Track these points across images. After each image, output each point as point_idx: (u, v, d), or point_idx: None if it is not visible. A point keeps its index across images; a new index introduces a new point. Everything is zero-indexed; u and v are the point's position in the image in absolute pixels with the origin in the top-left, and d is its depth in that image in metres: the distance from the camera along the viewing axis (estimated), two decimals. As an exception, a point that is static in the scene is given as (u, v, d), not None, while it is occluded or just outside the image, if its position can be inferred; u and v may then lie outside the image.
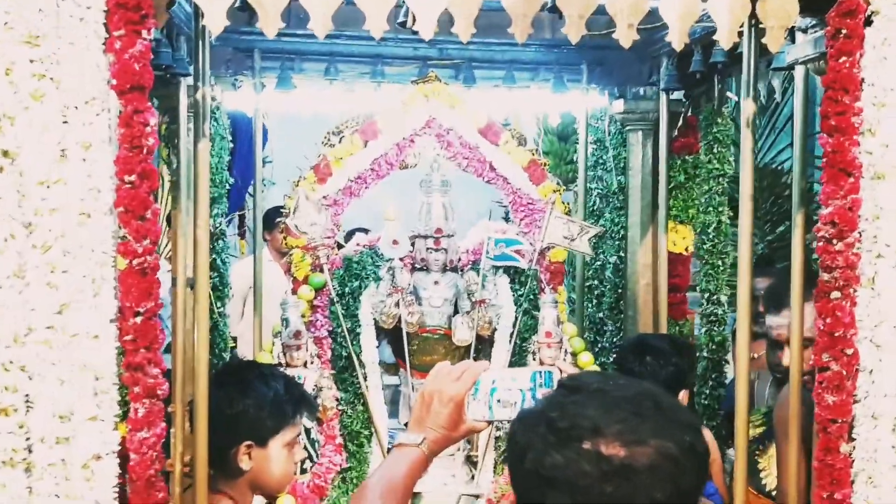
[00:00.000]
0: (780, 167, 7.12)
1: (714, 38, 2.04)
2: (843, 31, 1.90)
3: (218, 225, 3.57)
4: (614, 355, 3.61)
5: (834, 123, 1.91)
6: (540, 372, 1.42)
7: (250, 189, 6.14)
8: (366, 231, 3.75)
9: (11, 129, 1.73)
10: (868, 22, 1.89)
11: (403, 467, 1.41)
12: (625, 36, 1.96)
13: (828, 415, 1.94)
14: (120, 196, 1.78)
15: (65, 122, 1.75)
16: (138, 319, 1.81)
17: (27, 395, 1.74)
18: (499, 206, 7.30)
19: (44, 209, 1.74)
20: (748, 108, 2.17)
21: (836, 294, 1.93)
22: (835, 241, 1.92)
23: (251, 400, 2.02)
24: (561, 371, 1.40)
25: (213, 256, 3.64)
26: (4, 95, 1.71)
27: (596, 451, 0.96)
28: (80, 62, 1.75)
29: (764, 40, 2.01)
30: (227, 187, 3.63)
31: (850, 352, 1.92)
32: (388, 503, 1.36)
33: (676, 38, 1.97)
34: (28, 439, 1.74)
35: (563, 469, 0.96)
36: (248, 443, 1.99)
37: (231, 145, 3.59)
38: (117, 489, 1.76)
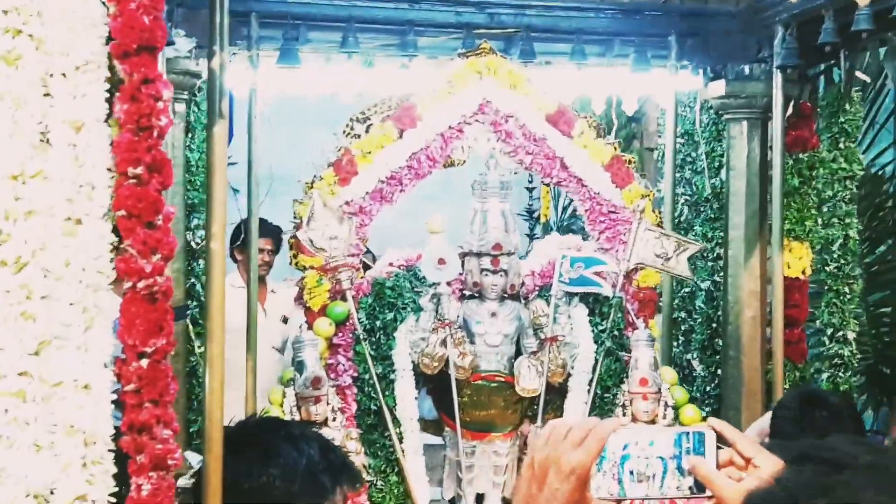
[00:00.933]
0: (880, 172, 7.03)
1: None
2: None
3: (200, 241, 3.42)
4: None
5: None
6: (687, 434, 1.26)
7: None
8: (372, 255, 3.59)
9: (-25, 102, 1.59)
10: None
11: None
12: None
13: None
14: (121, 195, 1.64)
15: (47, 95, 1.61)
16: (144, 363, 1.66)
17: (-9, 468, 1.59)
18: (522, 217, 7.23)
19: (17, 212, 1.59)
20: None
21: None
22: None
23: (278, 469, 1.85)
24: (716, 431, 1.25)
25: (192, 280, 3.51)
26: (-32, 57, 1.57)
27: None
28: (68, 14, 1.61)
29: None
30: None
31: None
32: None
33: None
34: (-8, 528, 1.59)
35: None
36: None
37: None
38: None
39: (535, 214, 7.33)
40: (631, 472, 1.27)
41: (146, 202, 1.63)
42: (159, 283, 1.65)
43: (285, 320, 4.96)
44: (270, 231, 5.08)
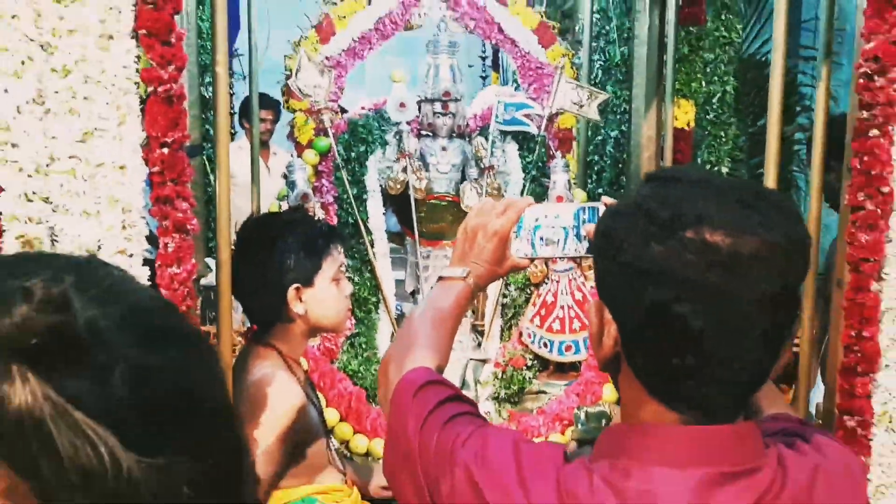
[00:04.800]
0: (762, 59, 7.06)
1: None
2: None
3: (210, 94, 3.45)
4: None
5: (881, -46, 1.86)
6: (584, 208, 1.32)
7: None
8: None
9: (23, -60, 1.62)
10: None
11: (451, 299, 1.33)
12: None
13: (860, 254, 1.95)
14: (142, 17, 1.68)
15: (80, -62, 1.64)
16: (165, 150, 1.73)
17: (52, 227, 1.68)
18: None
19: (62, 30, 1.63)
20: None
21: (874, 132, 1.91)
22: (876, 77, 1.89)
23: (284, 246, 2.00)
24: (606, 205, 1.32)
25: (206, 127, 3.55)
26: None
27: (701, 238, 0.88)
28: None
29: None
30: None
31: (885, 190, 1.91)
32: (438, 332, 1.28)
33: None
34: (54, 274, 1.69)
35: (665, 260, 0.89)
36: (296, 286, 1.99)
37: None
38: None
39: (487, 79, 7.47)
40: (541, 238, 1.34)
41: (162, 23, 1.68)
42: (175, 88, 1.71)
43: (285, 175, 5.03)
44: (270, 104, 5.11)
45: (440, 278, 1.40)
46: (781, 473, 0.94)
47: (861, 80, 1.91)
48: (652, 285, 0.90)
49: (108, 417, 0.43)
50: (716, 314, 0.88)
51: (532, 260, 1.43)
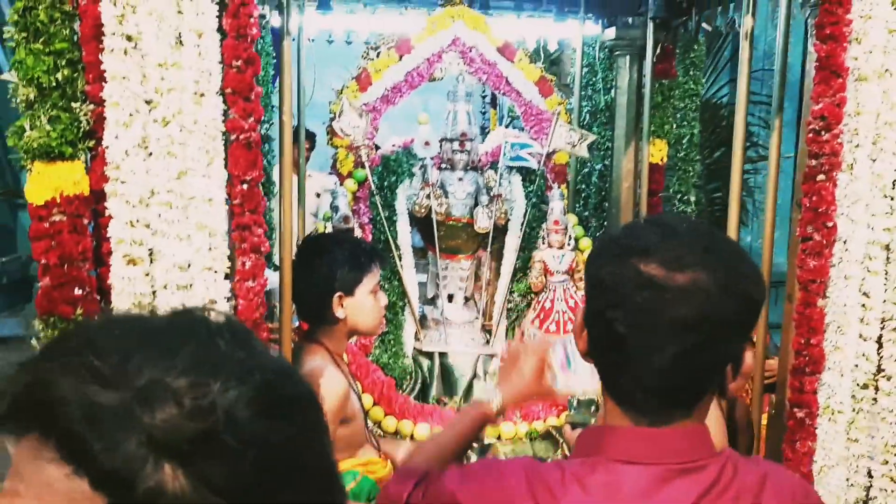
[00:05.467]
0: (718, 102, 7.13)
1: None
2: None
3: (265, 131, 3.49)
4: None
5: (829, 32, 1.92)
6: None
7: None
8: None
9: (133, 16, 1.67)
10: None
11: (463, 424, 1.37)
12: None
13: (809, 276, 2.00)
14: (228, 78, 1.73)
15: (180, 13, 1.69)
16: (244, 186, 1.78)
17: (151, 249, 1.74)
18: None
19: (163, 88, 1.69)
20: (747, 23, 2.16)
21: (821, 177, 1.96)
22: (823, 132, 1.95)
23: (333, 260, 2.04)
24: None
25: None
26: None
27: (639, 267, 0.93)
28: (191, -42, 1.68)
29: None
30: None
31: (830, 224, 1.97)
32: (439, 452, 1.33)
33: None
34: (153, 286, 1.74)
35: (609, 277, 0.96)
36: (339, 294, 2.02)
37: (275, 60, 3.48)
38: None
39: (486, 130, 7.42)
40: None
41: (244, 84, 1.73)
42: (253, 136, 1.76)
43: (318, 195, 5.09)
44: (308, 135, 5.15)
45: (474, 401, 1.46)
46: (731, 473, 0.96)
47: (810, 135, 1.97)
48: (597, 294, 0.96)
49: (236, 491, 0.46)
50: (637, 324, 0.92)
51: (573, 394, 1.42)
